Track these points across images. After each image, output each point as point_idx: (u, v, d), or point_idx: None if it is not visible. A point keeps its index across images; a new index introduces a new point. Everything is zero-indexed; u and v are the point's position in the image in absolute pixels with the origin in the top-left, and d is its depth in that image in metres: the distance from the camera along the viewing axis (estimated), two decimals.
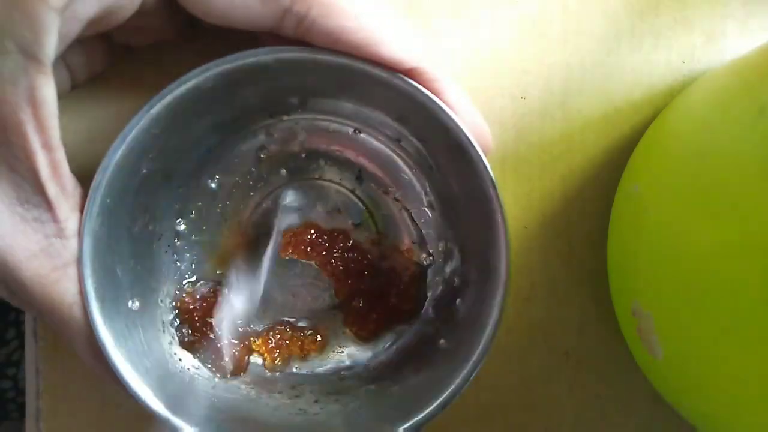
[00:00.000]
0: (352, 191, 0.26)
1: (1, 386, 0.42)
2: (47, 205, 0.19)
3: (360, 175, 0.26)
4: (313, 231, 0.25)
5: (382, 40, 0.19)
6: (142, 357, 0.21)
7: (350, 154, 0.25)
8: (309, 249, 0.25)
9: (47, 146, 0.18)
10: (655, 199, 0.22)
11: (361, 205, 0.26)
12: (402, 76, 0.20)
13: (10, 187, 0.19)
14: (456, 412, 0.27)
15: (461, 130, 0.20)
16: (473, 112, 0.22)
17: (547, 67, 0.26)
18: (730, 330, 0.18)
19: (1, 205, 0.19)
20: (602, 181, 0.27)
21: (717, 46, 0.26)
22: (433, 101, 0.20)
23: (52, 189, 0.19)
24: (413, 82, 0.20)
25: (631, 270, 0.24)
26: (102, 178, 0.19)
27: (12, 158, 0.18)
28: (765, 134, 0.17)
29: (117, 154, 0.19)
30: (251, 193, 0.26)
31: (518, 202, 0.27)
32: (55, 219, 0.19)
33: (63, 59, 0.21)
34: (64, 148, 0.19)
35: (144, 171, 0.21)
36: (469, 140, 0.20)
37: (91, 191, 0.19)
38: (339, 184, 0.26)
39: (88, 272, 0.20)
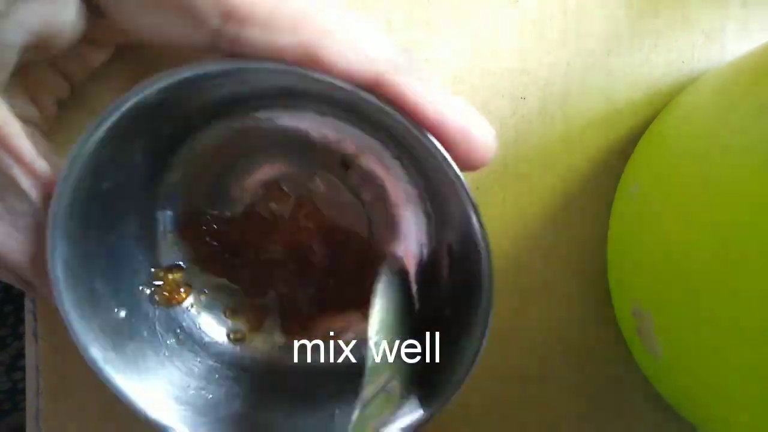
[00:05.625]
0: (341, 180, 0.25)
1: (13, 378, 0.43)
2: (35, 213, 0.19)
3: (345, 161, 0.25)
4: None
5: (326, 54, 0.17)
6: (132, 364, 0.21)
7: (333, 144, 0.24)
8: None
9: (21, 161, 0.19)
10: (655, 199, 0.22)
11: (351, 194, 0.25)
12: (359, 90, 0.17)
13: None
14: (456, 411, 0.27)
15: (435, 148, 0.18)
16: (463, 115, 0.18)
17: (547, 67, 0.26)
18: (730, 330, 0.18)
19: None
20: (602, 181, 0.27)
21: (717, 46, 0.26)
22: (400, 119, 0.17)
23: (37, 198, 0.19)
24: (371, 98, 0.17)
25: (631, 270, 0.24)
26: (58, 205, 0.19)
27: None
28: (765, 134, 0.17)
29: (71, 177, 0.18)
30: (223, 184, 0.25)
31: (518, 202, 0.27)
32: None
33: (56, 67, 0.22)
34: (54, 155, 0.20)
35: (105, 186, 0.20)
36: (445, 159, 0.18)
37: (50, 219, 0.19)
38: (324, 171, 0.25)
39: (64, 298, 0.19)
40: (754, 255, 0.17)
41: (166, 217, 0.25)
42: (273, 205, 0.25)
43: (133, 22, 0.18)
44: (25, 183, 0.19)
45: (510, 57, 0.26)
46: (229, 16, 0.17)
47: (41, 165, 0.20)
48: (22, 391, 0.43)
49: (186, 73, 0.18)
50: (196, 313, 0.25)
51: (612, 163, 0.26)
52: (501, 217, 0.26)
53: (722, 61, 0.26)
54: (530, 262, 0.27)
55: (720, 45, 0.26)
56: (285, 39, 0.17)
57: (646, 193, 0.23)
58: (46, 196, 0.19)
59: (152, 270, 0.24)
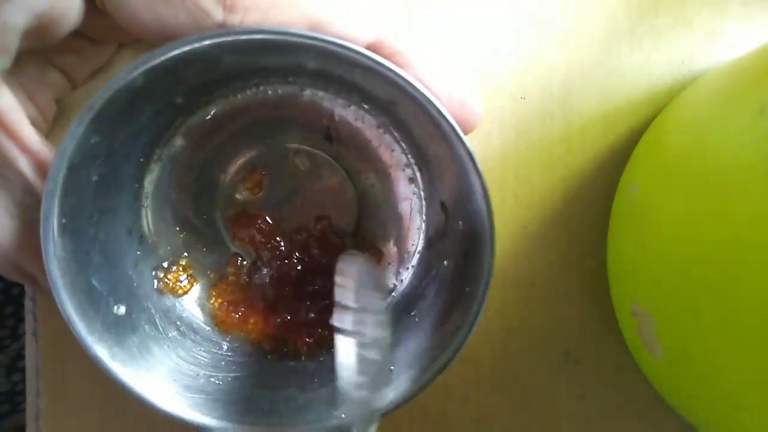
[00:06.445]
0: (326, 153, 0.26)
1: (12, 379, 0.43)
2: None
3: (328, 134, 0.25)
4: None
5: (326, 21, 0.19)
6: (138, 359, 0.21)
7: (319, 117, 0.25)
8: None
9: (26, 149, 0.19)
10: (655, 199, 0.22)
11: (337, 165, 0.26)
12: (358, 49, 0.18)
13: (5, 193, 0.20)
14: (456, 411, 0.27)
15: (430, 102, 0.19)
16: (450, 84, 0.20)
17: (547, 67, 0.26)
18: (730, 330, 0.18)
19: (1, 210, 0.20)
20: (602, 181, 0.27)
21: (717, 46, 0.26)
22: (396, 74, 0.18)
23: (42, 189, 0.19)
24: (373, 56, 0.18)
25: (631, 270, 0.24)
26: (50, 203, 0.18)
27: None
28: (765, 134, 0.17)
29: (60, 173, 0.18)
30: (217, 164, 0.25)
31: (518, 202, 0.27)
32: None
33: (53, 64, 0.22)
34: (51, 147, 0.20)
35: (95, 178, 0.20)
36: (440, 113, 0.19)
37: (42, 218, 0.18)
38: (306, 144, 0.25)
39: (64, 297, 0.19)
40: (754, 255, 0.17)
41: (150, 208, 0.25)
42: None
43: (135, 18, 0.19)
44: (31, 175, 0.19)
45: (510, 57, 0.26)
46: (232, 7, 0.18)
47: (46, 154, 0.20)
48: (21, 393, 0.43)
49: (168, 51, 0.18)
50: (193, 304, 0.25)
51: (612, 163, 0.26)
52: (501, 218, 0.26)
53: (722, 61, 0.26)
54: (530, 262, 0.27)
55: (720, 45, 0.26)
56: (287, 16, 0.19)
57: (646, 193, 0.23)
58: None
59: (162, 262, 0.25)
